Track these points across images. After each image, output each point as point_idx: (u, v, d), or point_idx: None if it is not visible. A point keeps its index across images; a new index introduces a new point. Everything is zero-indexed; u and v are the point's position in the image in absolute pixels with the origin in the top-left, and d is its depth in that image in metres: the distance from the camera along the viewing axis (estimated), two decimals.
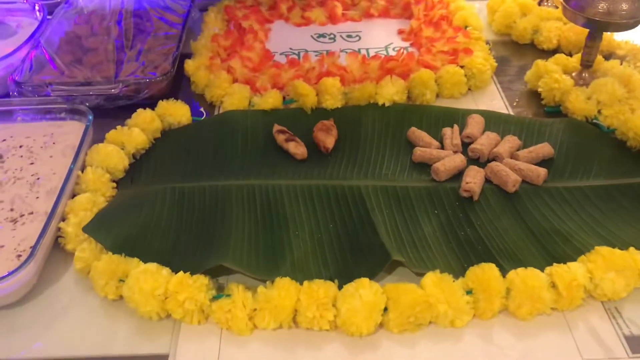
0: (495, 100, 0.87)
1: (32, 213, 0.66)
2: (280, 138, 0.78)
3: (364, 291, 0.55)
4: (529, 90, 0.89)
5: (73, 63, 0.92)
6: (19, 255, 0.61)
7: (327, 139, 0.77)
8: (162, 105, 0.82)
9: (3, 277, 0.57)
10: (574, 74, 0.86)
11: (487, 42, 0.97)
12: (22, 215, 0.66)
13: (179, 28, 0.99)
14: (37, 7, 1.05)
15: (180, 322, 0.57)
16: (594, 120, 0.80)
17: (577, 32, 0.93)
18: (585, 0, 0.77)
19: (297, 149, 0.76)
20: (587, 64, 0.85)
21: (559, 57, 0.89)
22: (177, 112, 0.82)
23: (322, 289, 0.56)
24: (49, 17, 1.03)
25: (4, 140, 0.78)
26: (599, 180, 0.72)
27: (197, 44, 0.97)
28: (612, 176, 0.72)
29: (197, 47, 0.96)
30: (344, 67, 0.90)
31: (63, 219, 0.65)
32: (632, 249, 0.59)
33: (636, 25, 0.78)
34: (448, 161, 0.72)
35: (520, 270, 0.57)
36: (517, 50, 1.00)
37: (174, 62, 0.89)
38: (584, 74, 0.85)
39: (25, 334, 0.57)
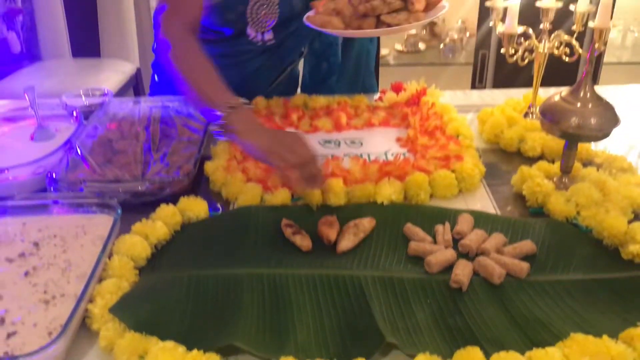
0: (484, 201, 0.95)
1: (63, 295, 0.73)
2: (288, 231, 0.85)
3: None
4: (515, 193, 0.97)
5: (104, 163, 1.01)
6: (50, 333, 0.67)
7: (331, 232, 0.84)
8: (183, 201, 0.91)
9: (35, 352, 0.63)
10: (555, 179, 0.94)
11: (477, 150, 1.06)
12: (54, 297, 0.72)
13: (201, 134, 1.10)
14: (74, 113, 1.17)
15: None
16: (573, 221, 0.87)
17: (558, 142, 1.02)
18: (559, 115, 0.87)
19: (303, 241, 0.83)
20: (566, 170, 0.93)
21: (542, 163, 0.98)
22: (196, 207, 0.90)
23: None
24: (84, 121, 1.14)
25: (40, 230, 0.86)
26: (577, 274, 0.78)
27: (216, 148, 1.07)
28: (590, 271, 0.78)
29: (216, 151, 1.06)
30: (347, 169, 0.99)
31: (91, 301, 0.71)
32: (605, 336, 0.64)
33: (605, 137, 0.87)
34: (440, 255, 0.79)
35: (502, 353, 0.63)
36: (504, 157, 1.09)
37: (195, 164, 0.99)
38: (564, 179, 0.94)
39: None
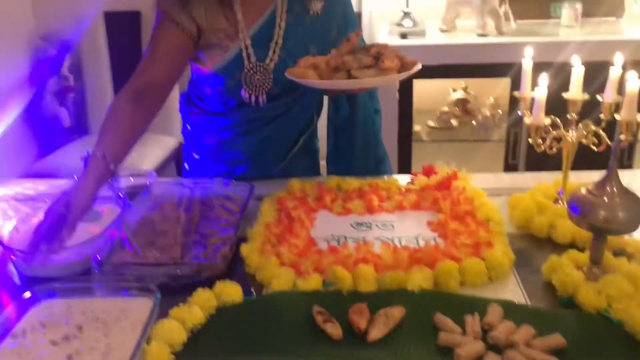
0: (514, 290, 0.96)
1: None
2: (319, 319, 0.87)
3: None
4: (545, 282, 0.97)
5: (146, 245, 1.06)
6: None
7: (361, 321, 0.86)
8: (219, 285, 0.94)
9: None
10: (584, 269, 0.94)
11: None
12: None
13: (238, 216, 1.14)
14: (120, 195, 1.23)
15: None
16: (604, 313, 0.87)
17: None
18: (586, 209, 0.88)
19: (334, 330, 0.85)
20: (595, 260, 0.93)
21: (572, 253, 0.98)
22: (231, 292, 0.93)
23: None
24: (129, 202, 1.20)
25: (84, 313, 0.89)
26: None
27: (252, 231, 1.11)
28: None
29: (252, 234, 1.10)
30: (378, 254, 1.01)
31: None
32: None
33: (634, 230, 0.88)
34: (469, 347, 0.79)
35: None
36: (535, 243, 1.10)
37: (231, 247, 1.03)
38: (593, 270, 0.94)
39: None
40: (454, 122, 2.58)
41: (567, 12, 2.37)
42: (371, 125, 1.43)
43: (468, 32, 2.41)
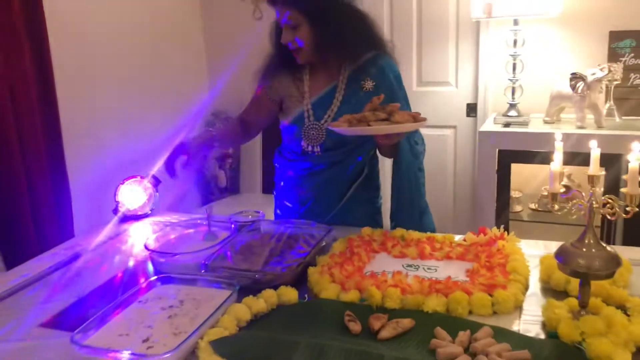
0: (512, 323, 1.13)
1: (186, 332, 1.07)
2: (347, 319, 1.12)
3: None
4: (543, 322, 1.13)
5: (241, 260, 1.40)
6: (171, 351, 1.01)
7: (376, 324, 1.10)
8: (282, 289, 1.23)
9: (158, 356, 0.97)
10: (574, 312, 1.10)
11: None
12: (180, 333, 1.07)
13: (312, 246, 1.44)
14: (232, 226, 1.60)
15: None
16: (577, 345, 1.02)
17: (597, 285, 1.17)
18: (568, 257, 1.05)
19: (354, 326, 1.10)
20: (582, 304, 1.08)
21: (569, 299, 1.14)
22: (290, 294, 1.22)
23: None
24: (238, 231, 1.56)
25: (187, 294, 1.24)
26: None
27: (320, 258, 1.39)
28: None
29: (320, 260, 1.39)
30: (408, 283, 1.24)
31: (201, 338, 1.05)
32: None
33: (610, 276, 1.03)
34: (449, 350, 1.00)
35: None
36: (553, 294, 1.24)
37: (299, 265, 1.32)
38: (581, 312, 1.09)
39: None
40: (555, 206, 2.66)
41: None
42: (415, 181, 1.71)
43: (569, 124, 2.55)
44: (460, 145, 3.16)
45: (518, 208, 2.73)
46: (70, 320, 1.20)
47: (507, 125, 2.60)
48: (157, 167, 1.73)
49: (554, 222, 2.65)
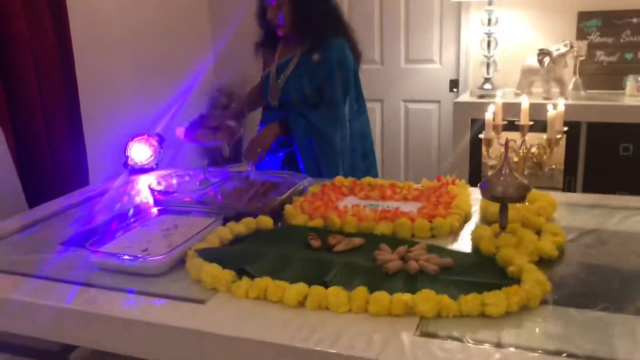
0: (448, 244, 1.34)
1: (178, 246, 1.30)
2: (309, 237, 1.34)
3: None
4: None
5: (231, 199, 1.62)
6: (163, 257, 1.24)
7: (332, 241, 1.31)
8: (260, 217, 1.45)
9: (152, 258, 1.20)
10: (495, 233, 1.30)
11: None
12: (173, 245, 1.30)
13: (287, 189, 1.66)
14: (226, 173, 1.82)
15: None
16: (492, 255, 1.23)
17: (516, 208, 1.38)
18: (488, 185, 1.26)
19: (315, 243, 1.31)
20: (502, 226, 1.29)
21: (495, 226, 1.34)
22: (266, 221, 1.44)
23: None
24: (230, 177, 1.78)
25: (181, 221, 1.46)
26: (465, 277, 1.13)
27: (296, 198, 1.61)
28: (474, 277, 1.13)
29: (295, 199, 1.60)
30: (365, 213, 1.46)
31: (190, 249, 1.27)
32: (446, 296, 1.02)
33: (523, 200, 1.24)
34: (386, 255, 1.21)
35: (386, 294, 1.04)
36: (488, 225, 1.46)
37: (274, 202, 1.54)
38: (501, 233, 1.29)
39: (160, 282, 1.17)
40: (525, 172, 2.86)
41: (630, 84, 2.60)
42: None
43: (538, 96, 2.74)
44: (444, 118, 3.35)
45: (490, 172, 2.93)
46: (84, 240, 1.43)
47: (481, 97, 2.79)
48: (162, 126, 1.95)
49: None
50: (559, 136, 1.48)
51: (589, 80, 2.78)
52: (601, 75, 2.79)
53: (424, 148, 3.44)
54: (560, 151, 2.66)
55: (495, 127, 1.59)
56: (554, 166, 2.79)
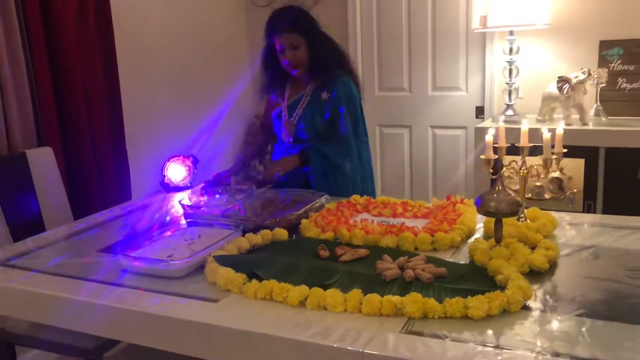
0: (448, 257, 1.42)
1: (200, 253, 1.42)
2: (319, 248, 1.45)
3: None
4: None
5: (252, 213, 1.75)
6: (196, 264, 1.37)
7: (339, 251, 1.41)
8: (276, 230, 1.57)
9: (174, 261, 1.33)
10: (491, 246, 1.38)
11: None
12: (195, 253, 1.43)
13: (302, 206, 1.77)
14: (251, 190, 1.95)
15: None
16: (484, 265, 1.30)
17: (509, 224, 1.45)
18: (483, 201, 1.34)
19: (323, 253, 1.42)
20: (497, 239, 1.37)
21: (492, 240, 1.41)
22: (281, 233, 1.56)
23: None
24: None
25: (205, 232, 1.59)
26: (460, 285, 1.21)
27: (312, 214, 1.72)
28: (465, 285, 1.21)
29: (312, 215, 1.71)
30: (372, 228, 1.55)
31: (209, 255, 1.40)
32: (432, 299, 1.10)
33: (514, 215, 1.32)
34: (385, 265, 1.30)
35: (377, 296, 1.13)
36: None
37: (291, 217, 1.66)
38: (497, 246, 1.37)
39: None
40: (546, 195, 2.89)
41: None
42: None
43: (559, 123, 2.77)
44: (470, 143, 3.41)
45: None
46: (119, 248, 1.57)
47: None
48: (197, 147, 2.12)
49: (547, 209, 2.86)
50: (554, 157, 1.54)
51: (611, 107, 2.81)
52: (623, 102, 2.82)
53: (451, 172, 3.50)
54: (579, 176, 2.69)
55: (500, 149, 1.66)
56: (575, 190, 2.81)
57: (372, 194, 2.19)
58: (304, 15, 2.16)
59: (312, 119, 2.16)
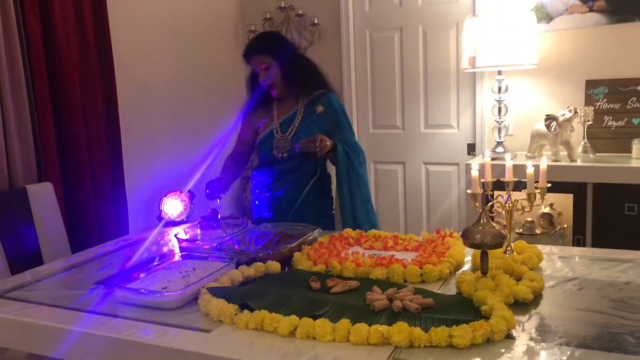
0: (436, 289, 1.45)
1: (193, 285, 1.45)
2: (310, 279, 1.48)
3: None
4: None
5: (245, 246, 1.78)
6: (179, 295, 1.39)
7: (330, 283, 1.44)
8: (269, 262, 1.60)
9: (169, 293, 1.35)
10: (477, 278, 1.41)
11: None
12: (189, 285, 1.45)
13: (297, 240, 1.80)
14: (244, 225, 1.99)
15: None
16: (470, 296, 1.33)
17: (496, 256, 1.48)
18: (468, 234, 1.38)
19: (314, 284, 1.45)
20: (483, 271, 1.40)
21: (479, 272, 1.45)
22: (274, 266, 1.59)
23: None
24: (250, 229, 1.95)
25: (199, 264, 1.62)
26: (447, 315, 1.24)
27: (305, 247, 1.76)
28: (452, 315, 1.24)
29: (305, 248, 1.75)
30: (363, 260, 1.59)
31: (203, 287, 1.43)
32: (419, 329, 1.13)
33: (499, 247, 1.35)
34: (374, 296, 1.33)
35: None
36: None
37: (285, 250, 1.69)
38: (482, 278, 1.40)
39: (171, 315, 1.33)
40: (537, 231, 2.92)
41: (636, 147, 2.68)
42: (351, 177, 2.21)
43: (548, 159, 2.83)
44: (463, 179, 3.47)
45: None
46: (115, 280, 1.60)
47: (493, 159, 2.91)
48: (192, 184, 2.16)
49: (537, 244, 2.89)
50: (538, 191, 1.59)
51: (598, 144, 2.88)
52: (609, 139, 2.88)
53: (444, 206, 3.55)
54: (568, 211, 2.73)
55: (487, 184, 1.71)
56: (565, 225, 2.85)
57: (374, 217, 2.26)
58: (275, 38, 2.33)
59: (309, 132, 2.21)
